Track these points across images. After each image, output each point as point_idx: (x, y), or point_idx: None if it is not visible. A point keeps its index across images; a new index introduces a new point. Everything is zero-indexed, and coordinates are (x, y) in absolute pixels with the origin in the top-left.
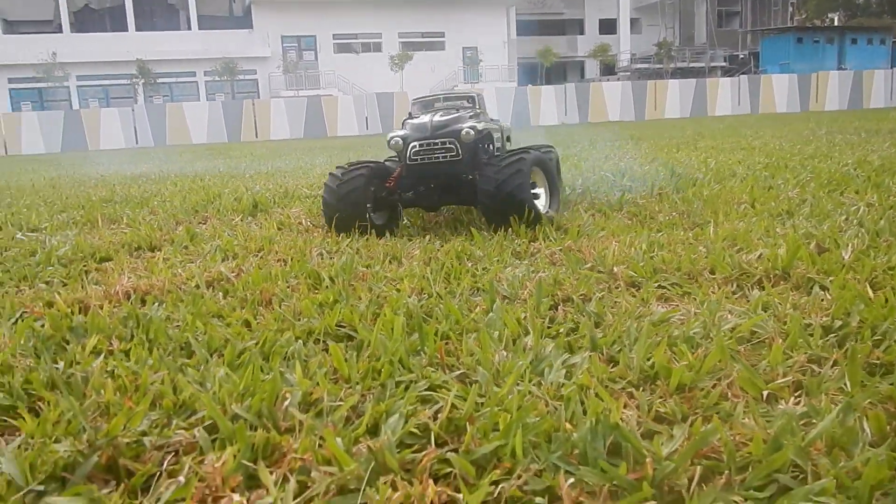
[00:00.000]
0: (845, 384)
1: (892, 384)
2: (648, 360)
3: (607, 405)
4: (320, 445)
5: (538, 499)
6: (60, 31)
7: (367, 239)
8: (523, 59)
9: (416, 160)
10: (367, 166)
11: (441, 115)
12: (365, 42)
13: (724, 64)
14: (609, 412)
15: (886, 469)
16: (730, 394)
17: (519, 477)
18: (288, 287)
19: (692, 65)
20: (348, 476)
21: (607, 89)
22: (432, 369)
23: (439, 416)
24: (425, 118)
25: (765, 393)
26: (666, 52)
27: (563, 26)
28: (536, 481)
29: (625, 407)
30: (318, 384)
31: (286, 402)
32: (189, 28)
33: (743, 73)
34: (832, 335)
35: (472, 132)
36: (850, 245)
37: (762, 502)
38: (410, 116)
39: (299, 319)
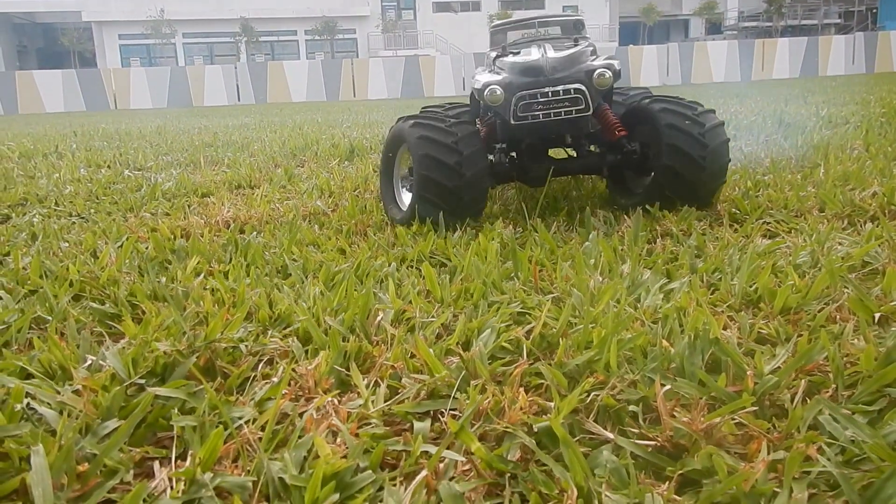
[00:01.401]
0: None
1: None
2: (751, 286)
3: (707, 321)
4: (412, 356)
5: (632, 407)
6: None
7: None
8: (625, 18)
9: (526, 118)
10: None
11: (555, 50)
12: (464, 1)
13: (838, 21)
14: (708, 328)
15: None
16: (838, 317)
17: (613, 387)
18: (383, 220)
19: (804, 22)
20: (439, 382)
21: (712, 49)
22: (526, 292)
23: (532, 334)
24: (534, 53)
25: (877, 316)
26: (776, 9)
27: None
28: (631, 391)
29: (724, 328)
30: (410, 302)
31: (378, 318)
32: None
33: (859, 30)
34: None
35: (609, 74)
36: None
37: (871, 415)
38: (504, 52)
39: (393, 248)
